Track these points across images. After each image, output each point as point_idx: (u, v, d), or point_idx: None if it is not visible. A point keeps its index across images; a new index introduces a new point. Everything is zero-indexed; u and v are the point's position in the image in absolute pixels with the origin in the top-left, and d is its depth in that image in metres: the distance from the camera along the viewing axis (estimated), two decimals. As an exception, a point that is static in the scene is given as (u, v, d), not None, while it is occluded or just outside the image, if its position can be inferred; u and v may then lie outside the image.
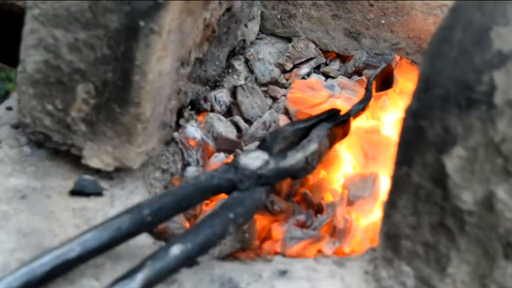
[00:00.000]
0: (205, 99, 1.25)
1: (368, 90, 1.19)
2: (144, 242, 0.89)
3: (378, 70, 1.25)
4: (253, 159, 0.93)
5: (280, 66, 1.39)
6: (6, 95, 2.45)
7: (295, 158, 0.96)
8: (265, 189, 0.92)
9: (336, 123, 1.07)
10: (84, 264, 0.81)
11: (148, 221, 0.83)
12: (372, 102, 1.20)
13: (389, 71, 1.27)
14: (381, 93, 1.26)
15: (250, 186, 0.91)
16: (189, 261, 0.81)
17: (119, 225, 0.82)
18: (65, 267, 0.78)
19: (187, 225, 0.98)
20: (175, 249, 0.79)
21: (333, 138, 1.07)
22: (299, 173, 0.98)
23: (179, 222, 0.96)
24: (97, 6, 0.90)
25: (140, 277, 0.75)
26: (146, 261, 0.77)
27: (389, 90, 1.28)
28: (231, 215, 0.85)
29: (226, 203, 0.88)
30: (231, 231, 0.85)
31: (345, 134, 1.12)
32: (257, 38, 1.43)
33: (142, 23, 0.89)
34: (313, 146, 0.99)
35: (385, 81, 1.27)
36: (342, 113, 1.12)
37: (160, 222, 0.86)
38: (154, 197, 0.88)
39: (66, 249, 0.78)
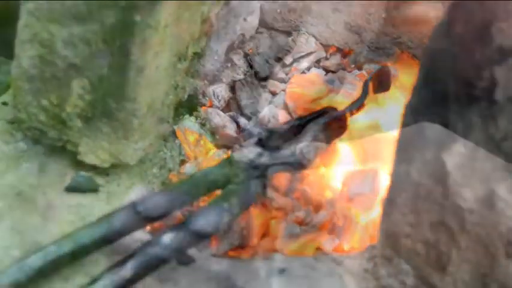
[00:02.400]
0: (204, 94, 1.24)
1: (364, 89, 1.19)
2: (139, 238, 0.88)
3: (375, 71, 1.25)
4: (247, 153, 0.94)
5: (279, 60, 1.38)
6: (8, 88, 2.44)
7: (289, 149, 0.97)
8: (260, 182, 0.93)
9: (331, 118, 1.08)
10: (78, 261, 0.80)
11: (143, 218, 0.83)
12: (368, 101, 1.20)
13: (386, 74, 1.27)
14: (378, 94, 1.26)
15: (245, 179, 0.91)
16: (180, 250, 0.81)
17: (113, 222, 0.82)
18: (57, 264, 0.78)
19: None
20: (166, 238, 0.80)
21: (329, 133, 1.08)
22: (294, 165, 0.98)
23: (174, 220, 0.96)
24: (92, 0, 0.89)
25: (131, 265, 0.76)
26: (137, 250, 0.78)
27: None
28: (226, 206, 0.86)
29: (221, 195, 0.89)
30: (225, 221, 0.85)
31: (341, 130, 1.12)
32: (256, 32, 1.42)
33: (138, 18, 0.88)
34: (307, 139, 1.00)
35: (382, 83, 1.26)
36: (338, 110, 1.12)
37: (155, 220, 0.86)
38: (149, 195, 0.88)
39: (59, 246, 0.78)
